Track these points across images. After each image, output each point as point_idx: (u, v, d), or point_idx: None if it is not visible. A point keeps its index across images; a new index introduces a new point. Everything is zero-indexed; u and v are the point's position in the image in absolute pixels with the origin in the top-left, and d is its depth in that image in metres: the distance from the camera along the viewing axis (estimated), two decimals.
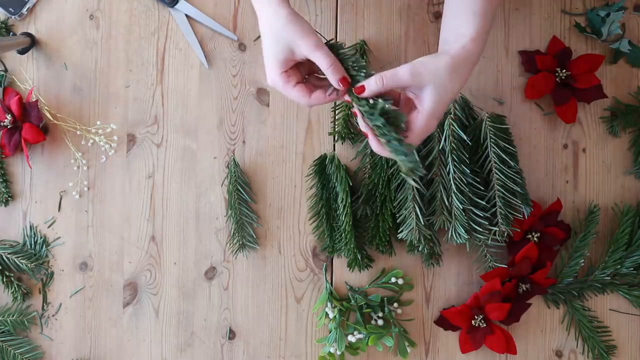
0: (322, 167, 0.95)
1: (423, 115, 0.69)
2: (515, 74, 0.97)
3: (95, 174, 0.98)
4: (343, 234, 0.93)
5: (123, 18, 0.98)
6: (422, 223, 0.88)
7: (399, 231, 0.90)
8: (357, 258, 0.94)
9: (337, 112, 0.96)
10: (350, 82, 0.70)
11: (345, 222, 0.92)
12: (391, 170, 0.92)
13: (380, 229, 0.92)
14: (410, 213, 0.88)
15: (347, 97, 0.71)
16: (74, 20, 0.99)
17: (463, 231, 0.87)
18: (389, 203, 0.91)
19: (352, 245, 0.92)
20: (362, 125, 0.71)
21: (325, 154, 0.96)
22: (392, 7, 0.97)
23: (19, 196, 0.98)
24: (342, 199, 0.92)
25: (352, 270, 0.95)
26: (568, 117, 0.95)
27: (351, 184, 0.93)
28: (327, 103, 0.72)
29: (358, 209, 0.94)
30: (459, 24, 0.72)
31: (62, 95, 0.98)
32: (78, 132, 0.97)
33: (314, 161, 0.96)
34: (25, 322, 0.97)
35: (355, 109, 0.71)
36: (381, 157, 0.92)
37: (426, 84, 0.69)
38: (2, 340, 0.97)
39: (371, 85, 0.69)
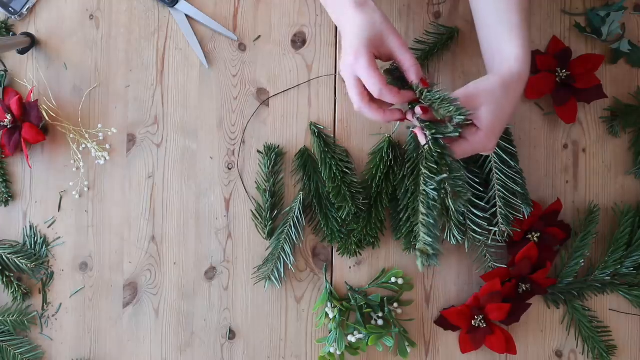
0: (305, 160, 0.95)
1: (483, 131, 0.72)
2: None
3: (96, 174, 0.98)
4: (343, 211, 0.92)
5: (123, 18, 0.98)
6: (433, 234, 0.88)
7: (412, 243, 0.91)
8: (366, 233, 0.93)
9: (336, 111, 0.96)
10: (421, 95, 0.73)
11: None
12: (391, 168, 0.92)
13: (372, 220, 0.93)
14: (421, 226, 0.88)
15: (409, 116, 0.74)
16: (74, 20, 0.99)
17: (457, 232, 0.87)
18: (385, 195, 0.91)
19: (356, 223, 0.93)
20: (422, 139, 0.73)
21: (304, 146, 0.96)
22: (392, 7, 0.97)
23: (19, 196, 0.98)
24: (332, 176, 0.92)
25: (352, 256, 0.95)
26: (568, 117, 0.95)
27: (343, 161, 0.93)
28: (386, 120, 0.75)
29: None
30: (501, 43, 0.76)
31: (62, 95, 0.98)
32: (72, 136, 0.97)
33: (295, 155, 0.96)
34: (25, 322, 0.96)
35: (418, 123, 0.73)
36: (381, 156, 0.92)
37: (482, 103, 0.72)
38: (2, 340, 0.97)
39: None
